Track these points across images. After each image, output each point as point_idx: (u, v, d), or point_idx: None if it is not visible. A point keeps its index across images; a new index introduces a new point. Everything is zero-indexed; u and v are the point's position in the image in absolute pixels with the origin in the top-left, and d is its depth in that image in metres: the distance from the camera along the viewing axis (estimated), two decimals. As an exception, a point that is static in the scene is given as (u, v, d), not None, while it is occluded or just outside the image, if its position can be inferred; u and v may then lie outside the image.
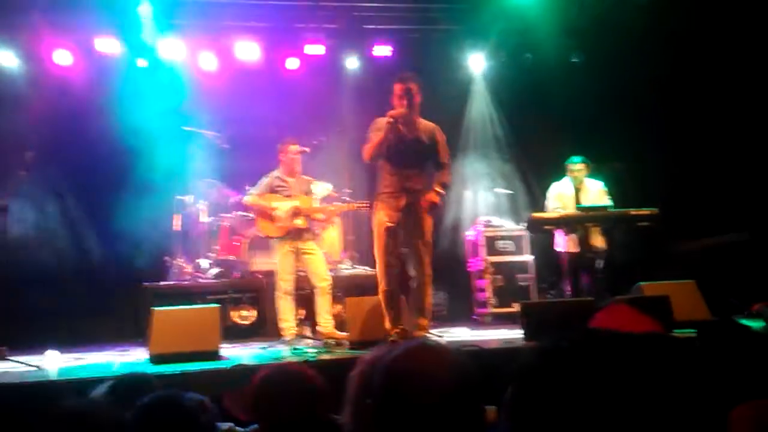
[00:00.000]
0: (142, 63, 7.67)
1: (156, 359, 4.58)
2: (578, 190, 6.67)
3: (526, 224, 6.64)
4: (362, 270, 7.11)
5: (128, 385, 2.61)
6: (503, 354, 4.34)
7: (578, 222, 6.14)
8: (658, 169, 7.37)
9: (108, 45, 7.44)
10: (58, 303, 6.56)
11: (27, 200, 6.39)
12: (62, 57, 7.41)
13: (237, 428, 2.43)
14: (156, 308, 4.90)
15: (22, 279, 6.13)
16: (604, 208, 6.11)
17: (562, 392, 0.81)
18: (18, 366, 4.60)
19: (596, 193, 6.63)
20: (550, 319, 4.67)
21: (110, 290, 6.96)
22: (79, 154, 7.12)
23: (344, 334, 5.42)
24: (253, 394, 2.17)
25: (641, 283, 5.46)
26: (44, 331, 6.06)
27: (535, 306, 5.28)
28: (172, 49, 7.61)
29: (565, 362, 0.84)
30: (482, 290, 7.32)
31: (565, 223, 6.18)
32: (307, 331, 5.93)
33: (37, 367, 4.44)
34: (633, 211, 5.99)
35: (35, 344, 5.48)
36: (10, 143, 6.17)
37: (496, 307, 7.10)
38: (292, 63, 8.11)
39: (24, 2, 6.78)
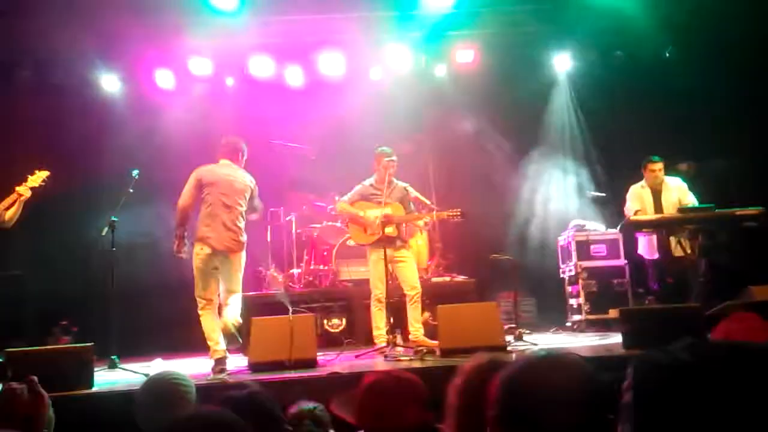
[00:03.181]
0: (231, 81, 8.00)
1: (255, 367, 4.71)
2: (658, 190, 6.37)
3: (620, 227, 6.38)
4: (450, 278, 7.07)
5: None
6: (604, 362, 4.17)
7: (678, 224, 5.82)
8: (764, 165, 6.93)
9: (201, 65, 7.79)
10: (161, 313, 6.89)
11: (133, 216, 6.75)
12: (164, 79, 7.81)
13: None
14: (254, 318, 5.04)
15: (130, 292, 6.47)
16: (707, 208, 5.76)
17: (698, 412, 0.75)
18: (128, 375, 4.87)
19: (678, 192, 6.32)
20: (652, 327, 4.45)
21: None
22: (177, 169, 7.47)
23: (434, 342, 5.39)
24: (360, 399, 2.17)
25: (751, 286, 5.13)
26: (150, 341, 6.39)
27: (635, 312, 5.04)
28: (260, 65, 7.87)
29: (702, 381, 0.78)
30: (575, 296, 7.10)
31: (665, 225, 5.89)
32: (399, 339, 5.93)
33: (146, 375, 4.66)
34: (738, 211, 5.63)
35: (141, 353, 5.78)
36: (117, 162, 6.56)
37: (590, 313, 6.86)
38: (376, 73, 8.19)
39: (126, 28, 7.17)
